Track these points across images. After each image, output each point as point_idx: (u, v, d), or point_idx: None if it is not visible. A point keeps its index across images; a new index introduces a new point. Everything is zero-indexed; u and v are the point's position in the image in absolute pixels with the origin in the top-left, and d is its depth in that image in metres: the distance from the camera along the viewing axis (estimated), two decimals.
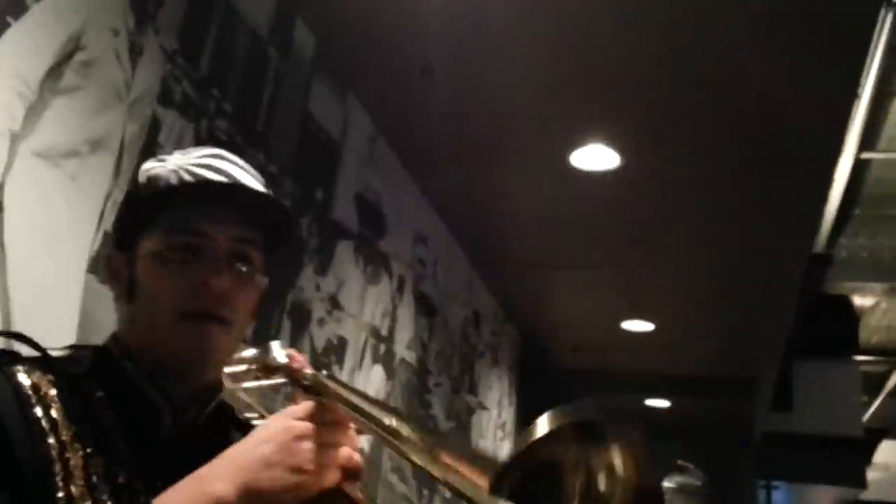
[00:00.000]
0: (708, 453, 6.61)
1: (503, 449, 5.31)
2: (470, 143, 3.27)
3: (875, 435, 7.62)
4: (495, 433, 5.23)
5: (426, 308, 4.04)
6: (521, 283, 4.65)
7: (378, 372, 3.39)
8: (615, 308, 4.62)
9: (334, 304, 2.91)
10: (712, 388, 5.87)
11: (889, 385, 8.40)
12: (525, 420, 5.57)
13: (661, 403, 6.15)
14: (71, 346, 0.99)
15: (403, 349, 3.72)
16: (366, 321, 3.26)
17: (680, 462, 4.75)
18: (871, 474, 7.94)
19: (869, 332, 7.85)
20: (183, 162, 0.98)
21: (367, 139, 3.19)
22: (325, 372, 1.02)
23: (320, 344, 2.78)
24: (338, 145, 2.95)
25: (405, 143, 3.31)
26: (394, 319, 3.60)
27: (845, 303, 7.37)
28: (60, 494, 0.82)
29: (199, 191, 0.96)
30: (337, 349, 2.94)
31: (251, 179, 1.00)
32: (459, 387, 4.59)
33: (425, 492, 3.95)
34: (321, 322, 2.78)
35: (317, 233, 2.77)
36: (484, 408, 4.98)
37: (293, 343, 2.55)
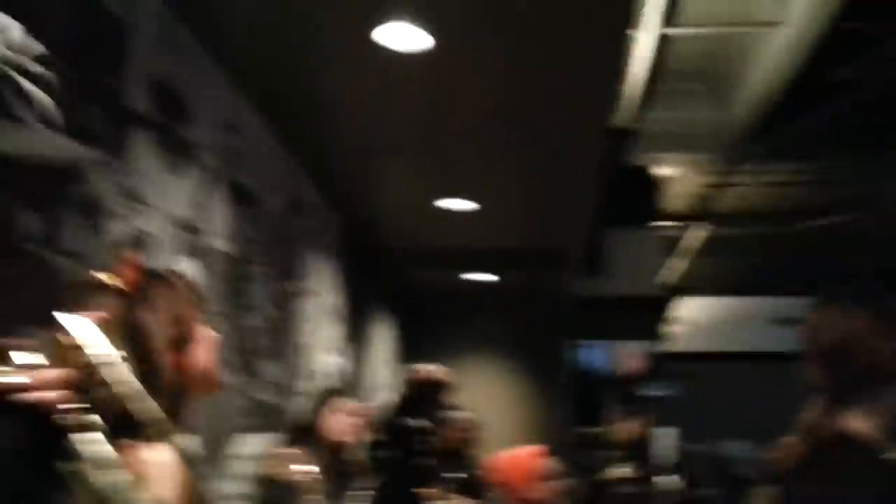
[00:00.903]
0: (528, 321, 7.03)
1: (337, 331, 5.39)
2: (274, 22, 3.13)
3: (673, 294, 8.33)
4: (326, 317, 5.28)
5: (242, 197, 3.94)
6: (341, 166, 4.61)
7: (191, 265, 3.30)
8: (432, 187, 4.69)
9: (132, 196, 2.77)
10: (529, 259, 6.16)
11: (688, 247, 9.16)
12: (356, 302, 5.65)
13: (484, 277, 6.41)
14: None
15: (219, 240, 3.64)
16: (172, 213, 3.14)
17: None
18: (672, 329, 8.75)
19: (670, 197, 8.46)
20: None
21: (160, 19, 2.98)
22: None
23: (119, 239, 2.65)
24: (125, 25, 2.74)
25: (204, 24, 3.12)
26: (206, 210, 3.49)
27: (650, 172, 7.88)
28: None
29: None
30: (140, 244, 2.82)
31: None
32: (283, 275, 4.57)
33: None
34: (118, 216, 2.65)
35: (105, 121, 2.59)
36: (309, 293, 5.00)
37: (87, 239, 2.42)
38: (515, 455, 3.42)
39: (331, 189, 4.77)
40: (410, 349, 6.88)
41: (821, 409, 1.54)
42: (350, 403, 3.50)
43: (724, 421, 10.45)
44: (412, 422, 3.93)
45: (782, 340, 10.67)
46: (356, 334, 5.80)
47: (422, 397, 4.10)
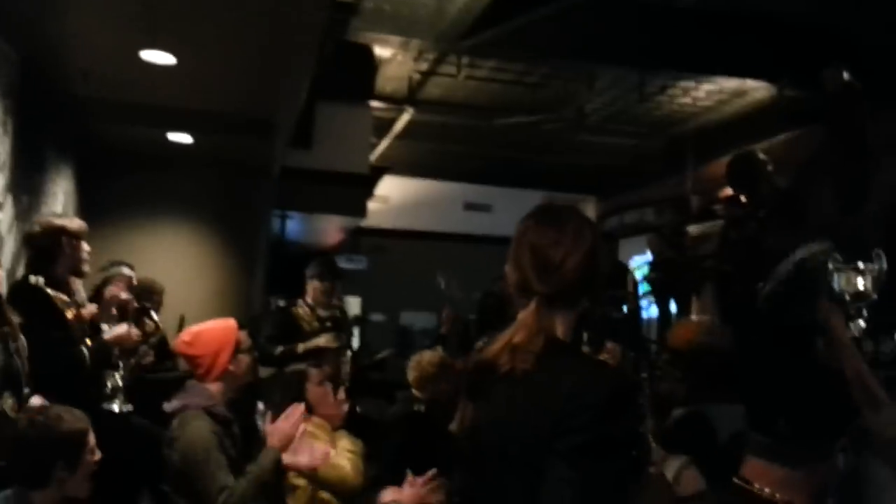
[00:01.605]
0: (229, 186, 6.83)
1: None
2: None
3: (378, 172, 8.56)
4: None
5: None
6: None
7: None
8: (133, 36, 4.28)
9: None
10: (235, 124, 5.94)
11: (396, 129, 9.40)
12: (26, 148, 5.05)
13: (183, 138, 6.07)
14: None
15: None
16: None
17: None
18: (372, 205, 9.03)
19: (384, 80, 8.56)
20: None
21: None
22: None
23: None
24: None
25: None
26: None
27: (366, 51, 7.88)
28: None
29: None
30: None
31: None
32: None
33: None
34: None
35: None
36: None
37: None
38: (209, 327, 3.34)
39: (3, 20, 4.15)
40: (92, 206, 6.40)
41: (533, 314, 1.68)
42: None
43: (408, 293, 11.18)
44: (32, 279, 3.61)
45: (471, 223, 11.53)
46: (25, 185, 5.24)
47: (51, 249, 3.76)
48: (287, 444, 3.03)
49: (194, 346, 3.16)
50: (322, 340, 4.96)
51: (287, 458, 3.09)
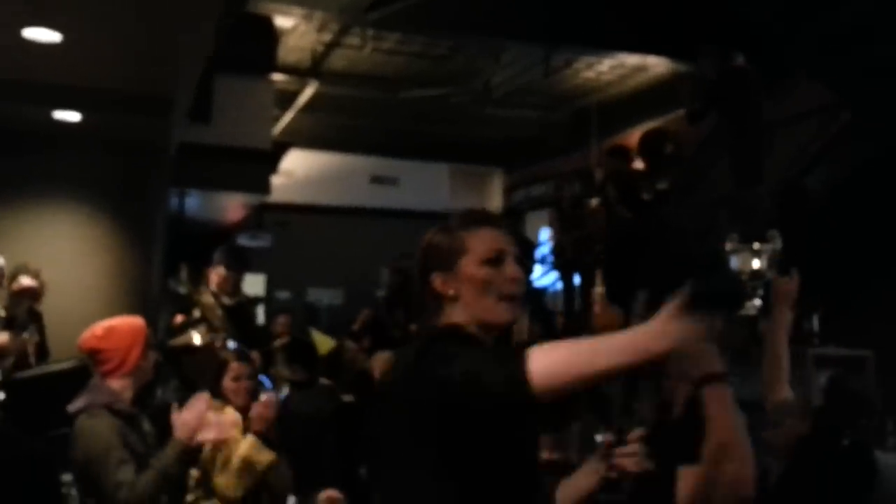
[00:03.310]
0: (122, 164, 6.51)
1: None
2: None
3: (282, 147, 8.34)
4: None
5: None
6: None
7: None
8: (15, 13, 4.00)
9: None
10: (127, 101, 5.65)
11: (299, 101, 9.17)
12: None
13: (71, 116, 5.73)
14: None
15: None
16: None
17: None
18: (276, 180, 8.80)
19: (286, 51, 8.32)
20: None
21: None
22: None
23: None
24: None
25: None
26: None
27: (267, 23, 7.62)
28: None
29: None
30: None
31: None
32: None
33: None
34: None
35: None
36: None
37: None
38: (121, 322, 3.21)
39: None
40: None
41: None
42: None
43: (314, 270, 11.01)
44: None
45: (377, 197, 11.41)
46: None
47: None
48: (192, 435, 2.98)
49: (108, 340, 3.07)
50: (189, 338, 4.79)
51: (197, 437, 3.05)
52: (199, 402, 3.07)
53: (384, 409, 1.69)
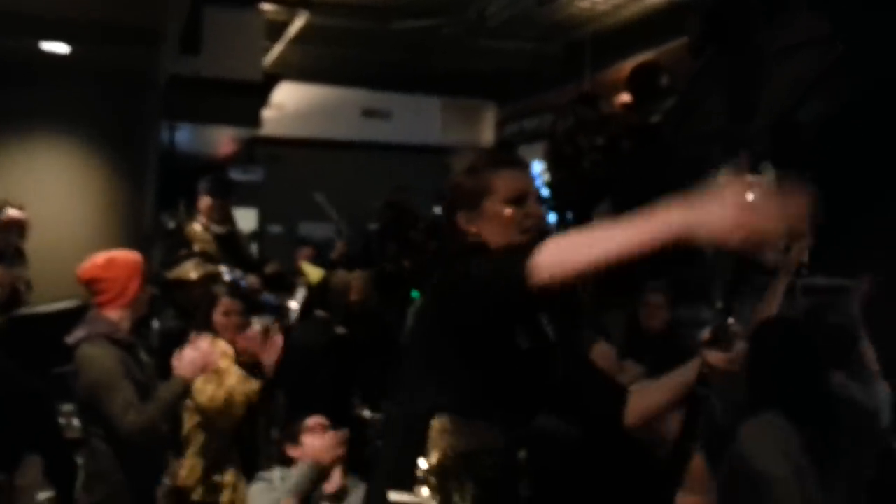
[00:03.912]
0: (111, 98, 6.44)
1: None
2: None
3: (272, 80, 8.24)
4: None
5: None
6: None
7: None
8: None
9: None
10: (116, 31, 5.56)
11: (289, 32, 9.02)
12: None
13: (59, 48, 5.64)
14: None
15: None
16: None
17: None
18: (267, 113, 8.73)
19: None
20: None
21: None
22: None
23: None
24: None
25: None
26: None
27: None
28: None
29: None
30: None
31: None
32: None
33: None
34: None
35: None
36: None
37: None
38: (120, 253, 3.25)
39: None
40: None
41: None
42: None
43: (307, 204, 10.99)
44: None
45: (368, 130, 11.34)
46: None
47: None
48: (195, 374, 3.06)
49: (108, 270, 3.14)
50: (185, 271, 4.84)
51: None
52: (202, 342, 3.15)
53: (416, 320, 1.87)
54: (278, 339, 3.61)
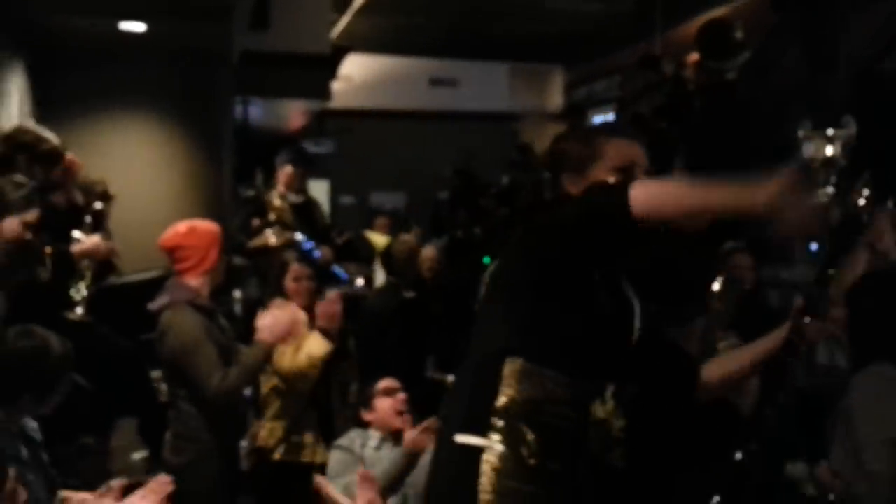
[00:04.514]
0: (187, 75, 6.60)
1: None
2: None
3: (340, 52, 8.30)
4: None
5: None
6: None
7: None
8: None
9: None
10: (189, 8, 5.67)
11: (355, 4, 9.04)
12: None
13: (136, 27, 5.79)
14: None
15: None
16: None
17: None
18: (336, 85, 8.81)
19: None
20: None
21: None
22: None
23: None
24: None
25: None
26: None
27: None
28: None
29: None
30: None
31: None
32: None
33: None
34: None
35: None
36: None
37: None
38: (201, 222, 3.35)
39: None
40: (47, 103, 6.15)
41: None
42: None
43: (377, 174, 11.07)
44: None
45: (435, 99, 11.32)
46: None
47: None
48: (277, 340, 3.14)
49: (189, 238, 3.23)
50: (266, 238, 4.97)
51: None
52: (286, 309, 3.23)
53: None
54: (337, 305, 3.66)
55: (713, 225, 1.84)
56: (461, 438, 1.73)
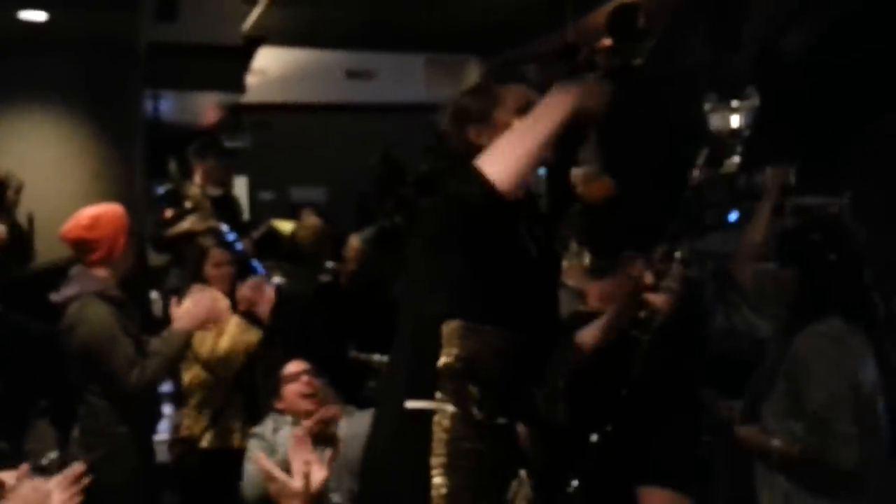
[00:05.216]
0: (92, 67, 6.36)
1: None
2: None
3: (253, 43, 8.17)
4: None
5: None
6: None
7: None
8: None
9: None
10: None
11: None
12: None
13: (37, 16, 5.56)
14: None
15: None
16: None
17: None
18: (251, 79, 8.67)
19: None
20: None
21: None
22: None
23: None
24: None
25: None
26: None
27: None
28: None
29: None
30: None
31: None
32: None
33: None
34: None
35: None
36: None
37: None
38: (103, 211, 3.24)
39: None
40: None
41: None
42: None
43: (296, 168, 10.94)
44: None
45: (352, 91, 11.24)
46: None
47: None
48: (197, 325, 3.07)
49: (95, 230, 3.12)
50: (187, 224, 4.88)
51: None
52: (203, 295, 3.16)
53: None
54: (270, 290, 3.62)
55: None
56: (411, 404, 1.76)
